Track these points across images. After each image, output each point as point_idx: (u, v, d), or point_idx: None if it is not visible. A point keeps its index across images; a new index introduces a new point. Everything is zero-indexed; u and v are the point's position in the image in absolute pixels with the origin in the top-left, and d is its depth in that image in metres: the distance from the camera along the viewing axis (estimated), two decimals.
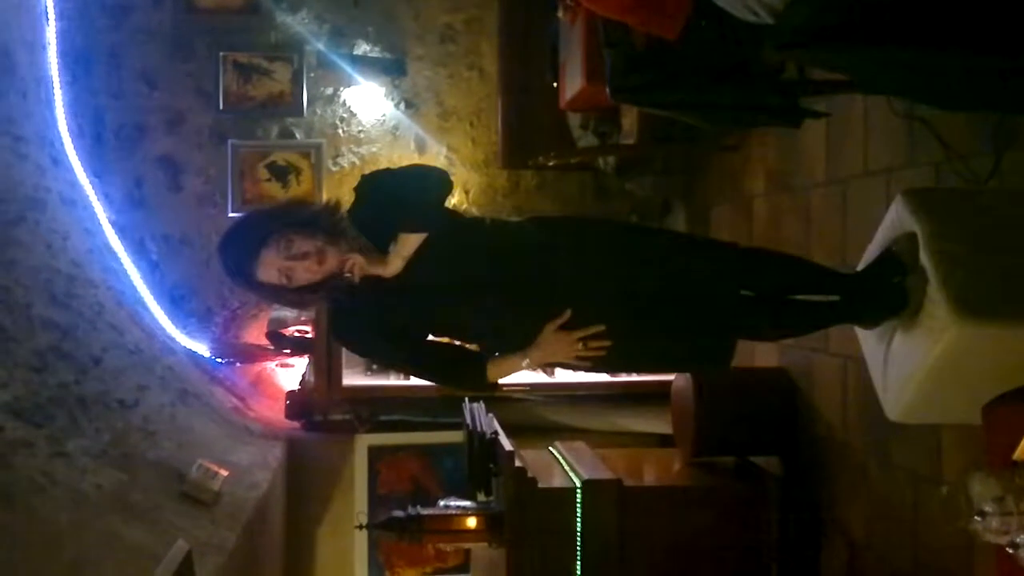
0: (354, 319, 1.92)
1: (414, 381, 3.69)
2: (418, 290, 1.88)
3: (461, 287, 1.89)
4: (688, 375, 3.16)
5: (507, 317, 1.91)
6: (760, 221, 3.53)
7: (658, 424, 3.70)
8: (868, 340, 2.11)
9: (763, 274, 2.09)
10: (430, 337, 1.99)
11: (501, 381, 1.98)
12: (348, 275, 1.85)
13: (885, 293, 1.98)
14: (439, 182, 1.91)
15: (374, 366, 3.82)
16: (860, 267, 2.17)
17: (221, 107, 4.19)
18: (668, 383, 3.38)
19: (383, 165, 4.37)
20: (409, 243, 1.86)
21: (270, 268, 1.80)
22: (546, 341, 1.88)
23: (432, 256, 1.87)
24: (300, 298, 1.87)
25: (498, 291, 1.89)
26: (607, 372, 2.28)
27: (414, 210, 1.86)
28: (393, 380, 3.81)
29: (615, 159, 4.00)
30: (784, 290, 2.14)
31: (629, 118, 3.64)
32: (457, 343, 2.03)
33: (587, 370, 1.98)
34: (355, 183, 1.93)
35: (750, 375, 3.31)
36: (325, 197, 4.17)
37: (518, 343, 1.92)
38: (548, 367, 3.84)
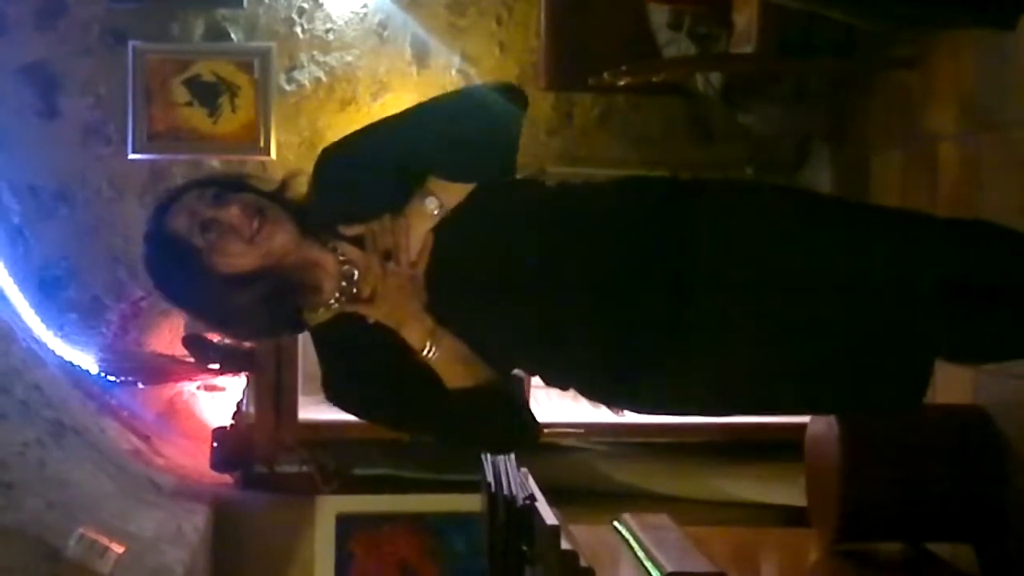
0: (354, 356, 1.93)
1: None
2: (452, 284, 1.91)
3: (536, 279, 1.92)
4: (831, 417, 3.12)
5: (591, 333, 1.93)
6: (949, 177, 3.50)
7: (783, 490, 3.72)
8: None
9: (979, 260, 2.07)
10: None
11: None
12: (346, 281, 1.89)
13: None
14: (513, 107, 1.99)
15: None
16: None
17: None
18: (799, 427, 3.37)
19: (362, 79, 4.44)
20: (451, 195, 1.91)
21: (183, 214, 1.87)
22: None
23: (469, 230, 1.91)
24: (224, 297, 1.88)
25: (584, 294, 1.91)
26: (724, 415, 2.33)
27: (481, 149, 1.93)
28: None
29: (722, 78, 3.97)
30: (995, 286, 2.12)
31: (746, 14, 3.60)
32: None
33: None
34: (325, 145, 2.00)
35: (928, 417, 3.27)
36: (274, 141, 4.22)
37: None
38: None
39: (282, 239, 1.87)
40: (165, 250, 1.89)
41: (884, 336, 1.96)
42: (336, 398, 2.01)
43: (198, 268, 1.86)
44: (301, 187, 1.97)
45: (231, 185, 1.92)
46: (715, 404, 2.11)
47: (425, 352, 1.88)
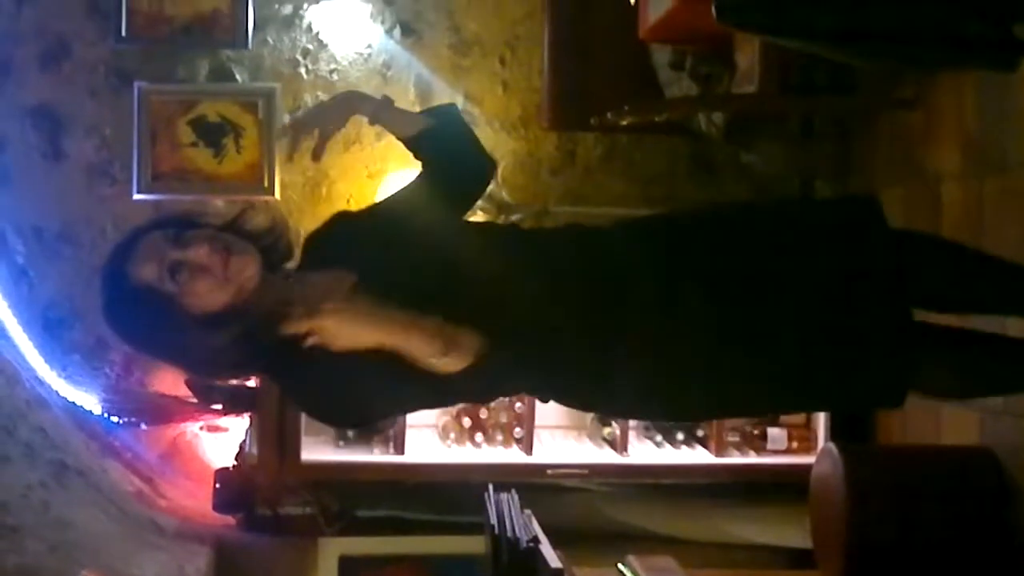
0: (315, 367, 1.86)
1: (408, 458, 3.78)
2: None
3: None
4: (836, 458, 3.15)
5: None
6: (952, 216, 3.52)
7: (789, 532, 3.71)
8: None
9: (944, 278, 2.17)
10: None
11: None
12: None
13: None
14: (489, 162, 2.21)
15: (350, 433, 3.84)
16: None
17: (124, 33, 4.24)
18: (804, 468, 3.37)
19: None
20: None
21: (149, 261, 1.84)
22: None
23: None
24: (201, 339, 1.85)
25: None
26: (704, 417, 2.33)
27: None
28: (377, 456, 3.83)
29: (724, 117, 3.98)
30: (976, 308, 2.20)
31: (747, 54, 3.62)
32: None
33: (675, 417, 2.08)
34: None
35: (934, 458, 3.30)
36: (278, 181, 4.24)
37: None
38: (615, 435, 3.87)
39: (250, 272, 1.86)
40: (133, 302, 1.85)
41: (864, 333, 1.99)
42: (310, 411, 2.05)
43: (171, 314, 1.83)
44: (257, 220, 1.96)
45: (187, 223, 1.90)
46: (706, 408, 2.14)
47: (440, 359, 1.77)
